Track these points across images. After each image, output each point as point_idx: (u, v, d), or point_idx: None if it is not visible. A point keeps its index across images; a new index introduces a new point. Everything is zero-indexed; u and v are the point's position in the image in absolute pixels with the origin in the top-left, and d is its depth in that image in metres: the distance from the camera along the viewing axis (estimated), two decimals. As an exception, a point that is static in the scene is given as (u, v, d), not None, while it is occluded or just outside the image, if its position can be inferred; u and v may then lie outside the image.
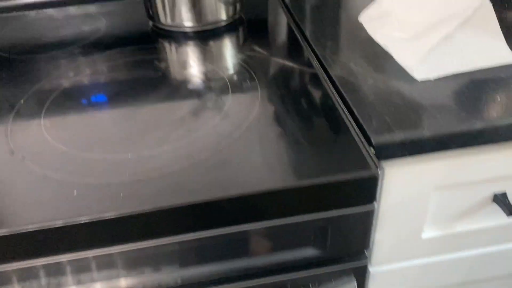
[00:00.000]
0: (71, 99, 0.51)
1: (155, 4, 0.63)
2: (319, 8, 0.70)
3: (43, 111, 0.49)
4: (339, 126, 0.45)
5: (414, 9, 0.53)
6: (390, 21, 0.54)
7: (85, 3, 0.74)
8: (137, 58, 0.58)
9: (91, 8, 0.73)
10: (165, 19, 0.63)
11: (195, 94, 0.51)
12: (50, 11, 0.73)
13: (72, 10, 0.73)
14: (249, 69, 0.54)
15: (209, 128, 0.45)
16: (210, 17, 0.63)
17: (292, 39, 0.62)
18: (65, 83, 0.54)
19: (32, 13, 0.73)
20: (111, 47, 0.62)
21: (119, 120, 0.47)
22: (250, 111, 0.47)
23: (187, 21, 0.63)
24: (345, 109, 0.47)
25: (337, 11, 0.69)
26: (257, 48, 0.60)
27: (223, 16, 0.64)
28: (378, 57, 0.53)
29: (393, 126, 0.43)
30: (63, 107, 0.50)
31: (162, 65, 0.57)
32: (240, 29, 0.65)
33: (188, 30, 0.63)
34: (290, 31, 0.64)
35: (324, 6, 0.70)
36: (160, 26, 0.65)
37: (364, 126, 0.43)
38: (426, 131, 0.42)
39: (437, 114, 0.44)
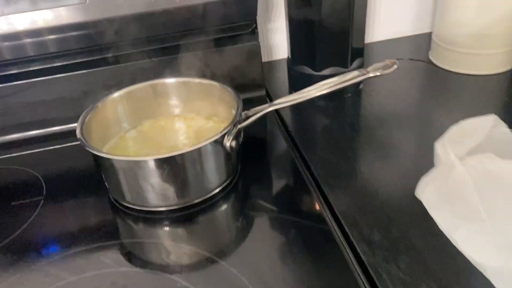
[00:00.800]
0: None
1: (115, 179, 0.42)
2: (337, 150, 0.50)
3: None
4: None
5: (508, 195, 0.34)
6: (474, 210, 0.35)
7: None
8: (87, 275, 0.37)
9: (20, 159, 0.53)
10: (130, 198, 0.43)
11: None
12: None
13: None
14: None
15: None
16: (196, 192, 0.43)
17: (319, 224, 0.42)
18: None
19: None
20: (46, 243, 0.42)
21: None
22: None
23: (162, 201, 0.42)
24: None
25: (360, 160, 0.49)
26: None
27: (216, 183, 0.44)
28: (470, 278, 0.34)
29: None
30: None
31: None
32: (239, 194, 0.45)
33: (165, 209, 0.43)
34: (312, 206, 0.44)
35: (340, 147, 0.51)
36: (123, 203, 0.44)
37: None
38: None
39: None
